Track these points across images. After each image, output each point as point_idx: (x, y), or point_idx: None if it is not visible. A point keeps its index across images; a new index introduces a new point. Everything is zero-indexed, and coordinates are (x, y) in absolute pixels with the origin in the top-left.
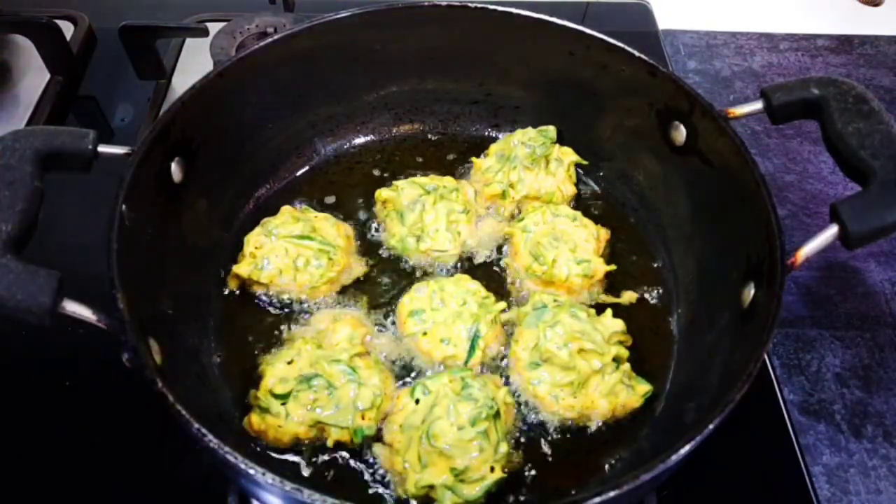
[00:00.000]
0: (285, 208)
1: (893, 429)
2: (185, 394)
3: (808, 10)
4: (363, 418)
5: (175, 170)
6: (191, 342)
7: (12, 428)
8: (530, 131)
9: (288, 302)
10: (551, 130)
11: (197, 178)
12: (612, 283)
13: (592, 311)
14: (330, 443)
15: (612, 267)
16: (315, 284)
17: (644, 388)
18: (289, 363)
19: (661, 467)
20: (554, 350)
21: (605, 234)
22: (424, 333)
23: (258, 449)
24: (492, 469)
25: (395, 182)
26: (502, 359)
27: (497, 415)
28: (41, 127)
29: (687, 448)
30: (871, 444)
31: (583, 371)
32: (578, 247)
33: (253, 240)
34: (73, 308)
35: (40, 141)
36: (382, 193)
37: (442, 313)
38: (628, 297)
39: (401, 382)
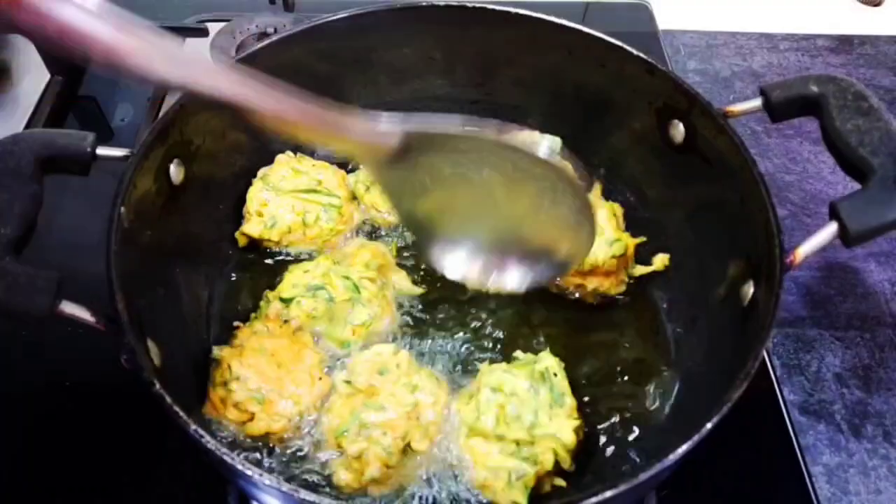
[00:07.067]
0: (280, 158)
1: (893, 429)
2: (183, 395)
3: (808, 10)
4: (353, 333)
5: (174, 171)
6: (191, 343)
7: (12, 428)
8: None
9: (298, 254)
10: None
11: (197, 180)
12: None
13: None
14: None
15: (642, 238)
16: (326, 238)
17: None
18: (305, 272)
19: (661, 467)
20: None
21: (618, 208)
22: None
23: (258, 449)
24: None
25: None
26: None
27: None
28: (40, 130)
29: (686, 448)
30: (871, 444)
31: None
32: (604, 228)
33: (256, 197)
34: (72, 310)
35: (39, 144)
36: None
37: None
38: (661, 260)
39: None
